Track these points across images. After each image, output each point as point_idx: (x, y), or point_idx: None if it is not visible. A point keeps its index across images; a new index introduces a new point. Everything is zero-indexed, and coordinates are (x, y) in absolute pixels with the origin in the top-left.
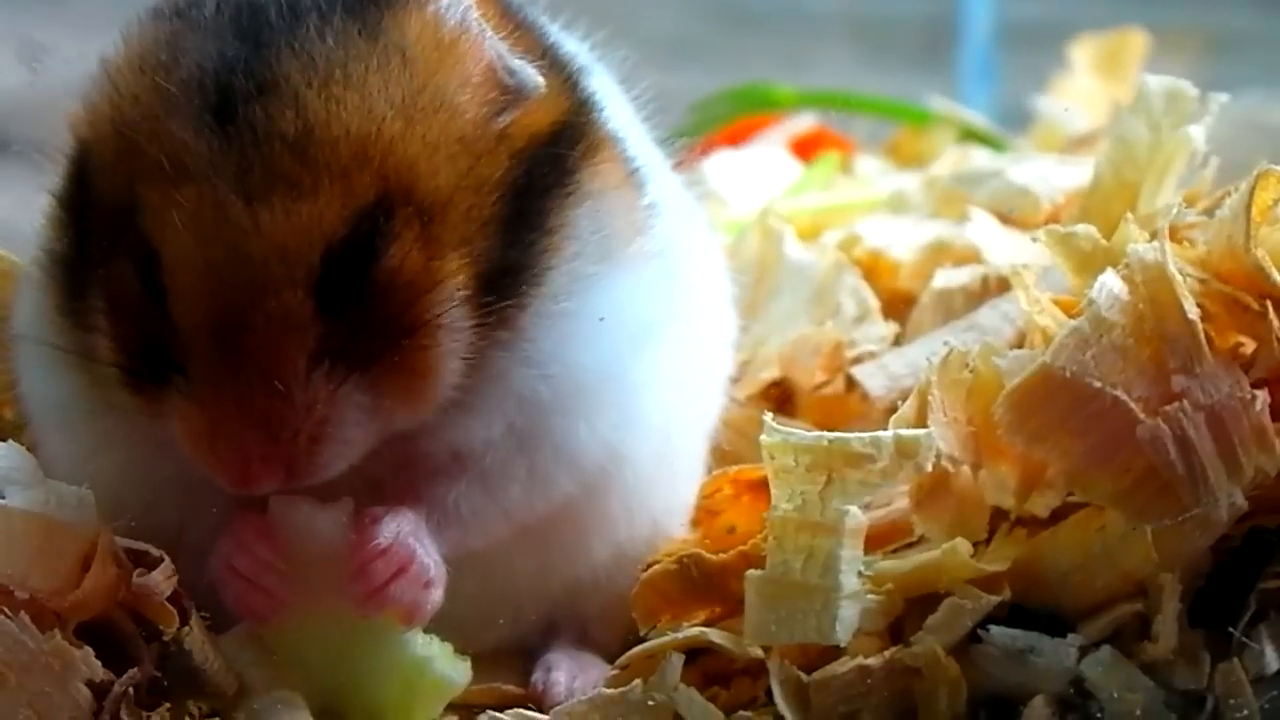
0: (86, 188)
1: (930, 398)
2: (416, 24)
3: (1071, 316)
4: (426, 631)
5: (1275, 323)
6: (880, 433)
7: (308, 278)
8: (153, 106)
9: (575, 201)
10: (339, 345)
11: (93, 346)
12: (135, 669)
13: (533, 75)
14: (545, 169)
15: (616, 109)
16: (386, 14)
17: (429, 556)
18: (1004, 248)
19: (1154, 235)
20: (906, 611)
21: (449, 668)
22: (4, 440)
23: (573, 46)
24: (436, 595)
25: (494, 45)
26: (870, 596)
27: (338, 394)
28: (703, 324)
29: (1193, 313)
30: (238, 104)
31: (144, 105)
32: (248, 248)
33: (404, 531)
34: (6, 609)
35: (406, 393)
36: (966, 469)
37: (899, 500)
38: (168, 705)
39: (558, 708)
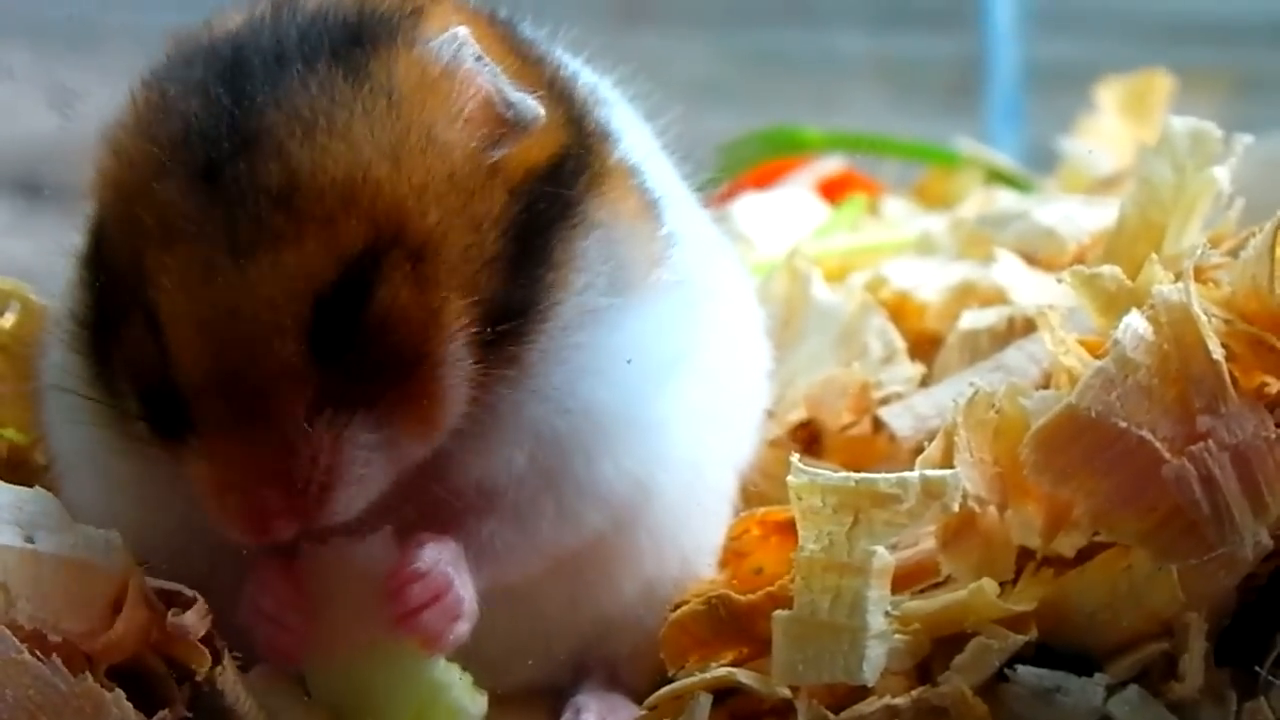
0: (102, 250)
1: (957, 438)
2: (403, 64)
3: (1097, 357)
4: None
5: None
6: (907, 473)
7: (300, 327)
8: (146, 169)
9: (582, 233)
10: (339, 389)
11: (121, 407)
12: (167, 709)
13: (532, 106)
14: (547, 202)
15: (637, 141)
16: (372, 57)
17: (464, 590)
18: (1030, 289)
19: (1179, 276)
20: (934, 651)
21: (465, 698)
22: (31, 485)
23: (591, 78)
24: (463, 629)
25: (493, 79)
26: (897, 636)
27: (342, 436)
28: (733, 355)
29: (1217, 353)
30: (223, 161)
31: (139, 168)
32: (237, 303)
33: (444, 560)
34: (38, 652)
35: (412, 425)
36: (993, 509)
37: (926, 540)
38: None
39: None
